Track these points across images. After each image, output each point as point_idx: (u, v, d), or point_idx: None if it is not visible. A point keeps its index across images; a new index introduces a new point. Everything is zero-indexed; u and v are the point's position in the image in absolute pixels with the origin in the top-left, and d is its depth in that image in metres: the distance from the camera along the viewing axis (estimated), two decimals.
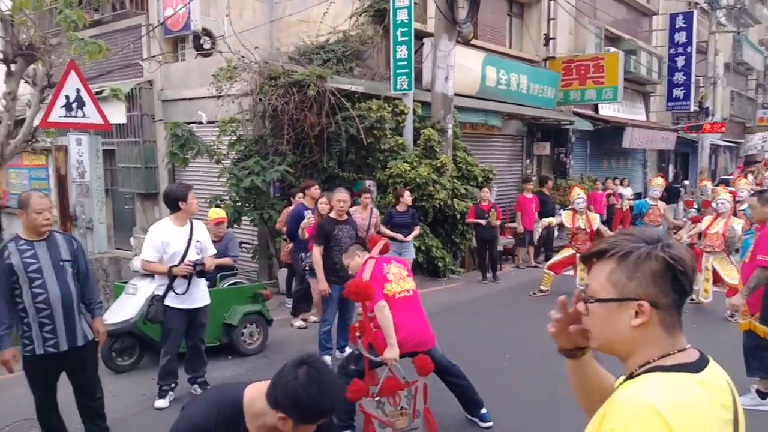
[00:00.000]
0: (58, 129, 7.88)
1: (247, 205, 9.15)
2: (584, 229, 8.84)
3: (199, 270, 4.91)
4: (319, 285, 5.89)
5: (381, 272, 4.22)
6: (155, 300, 5.00)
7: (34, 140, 7.89)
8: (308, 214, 7.02)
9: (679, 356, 1.31)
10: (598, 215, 9.57)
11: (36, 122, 7.38)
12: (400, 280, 4.26)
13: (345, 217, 6.06)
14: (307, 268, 6.63)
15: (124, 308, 5.81)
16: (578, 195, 9.00)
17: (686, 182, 21.81)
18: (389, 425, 3.65)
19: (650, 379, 1.28)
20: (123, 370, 5.85)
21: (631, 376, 1.34)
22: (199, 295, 5.07)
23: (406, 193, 8.51)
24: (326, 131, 9.15)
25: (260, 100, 8.99)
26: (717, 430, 1.22)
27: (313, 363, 1.93)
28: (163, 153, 11.55)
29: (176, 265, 4.87)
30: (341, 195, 6.00)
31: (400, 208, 8.46)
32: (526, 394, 5.36)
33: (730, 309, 7.67)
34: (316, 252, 5.87)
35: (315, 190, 7.49)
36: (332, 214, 6.04)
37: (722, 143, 26.92)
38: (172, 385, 5.19)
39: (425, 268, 10.23)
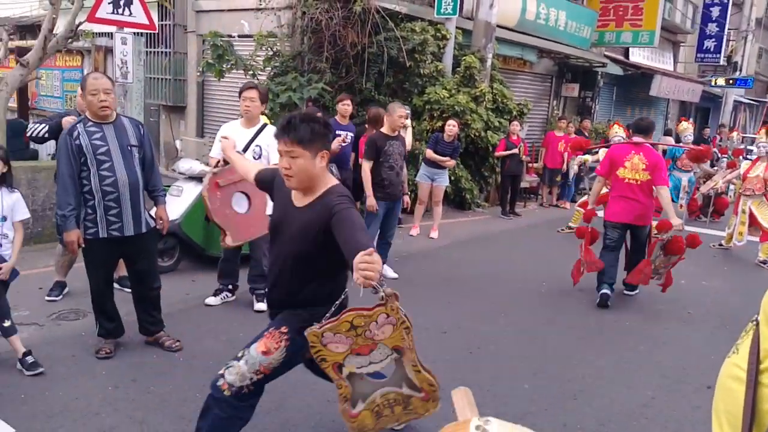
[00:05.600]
0: (96, 30, 7.69)
1: None
2: None
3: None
4: (368, 201, 5.83)
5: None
6: None
7: (74, 37, 7.75)
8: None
9: None
10: None
11: (79, 19, 7.22)
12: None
13: (396, 133, 6.01)
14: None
15: (170, 209, 5.79)
16: (617, 132, 8.88)
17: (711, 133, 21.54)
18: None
19: None
20: (163, 272, 5.78)
21: None
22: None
23: (450, 122, 8.08)
24: (367, 51, 8.95)
25: (304, 13, 8.75)
26: None
27: None
28: (194, 65, 11.38)
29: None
30: (403, 111, 5.96)
31: (447, 138, 8.03)
32: (569, 322, 5.45)
33: (763, 254, 7.78)
34: (366, 167, 5.84)
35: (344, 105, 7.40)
36: (384, 130, 5.98)
37: (745, 100, 26.50)
38: (230, 286, 5.17)
39: (452, 200, 10.23)
